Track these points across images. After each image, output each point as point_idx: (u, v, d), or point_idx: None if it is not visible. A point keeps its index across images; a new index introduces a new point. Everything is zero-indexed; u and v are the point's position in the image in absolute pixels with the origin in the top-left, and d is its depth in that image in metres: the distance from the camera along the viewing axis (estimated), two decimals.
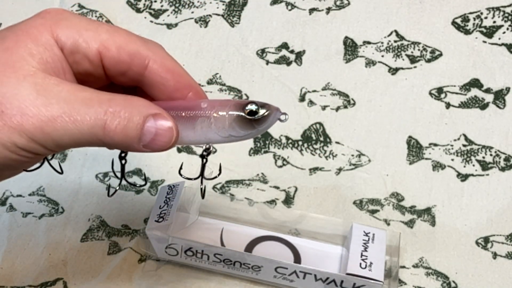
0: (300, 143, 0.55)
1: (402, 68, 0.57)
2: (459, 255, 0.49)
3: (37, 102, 0.25)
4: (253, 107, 0.29)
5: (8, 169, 0.28)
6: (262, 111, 0.29)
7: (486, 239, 0.49)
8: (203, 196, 0.32)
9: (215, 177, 0.34)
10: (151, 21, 0.63)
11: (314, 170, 0.54)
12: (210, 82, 0.59)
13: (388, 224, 0.51)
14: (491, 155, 0.53)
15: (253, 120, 0.29)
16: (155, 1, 0.63)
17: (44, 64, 0.27)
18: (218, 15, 0.61)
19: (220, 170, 0.35)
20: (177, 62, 0.32)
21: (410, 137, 0.54)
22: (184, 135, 0.30)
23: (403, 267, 0.48)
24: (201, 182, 0.32)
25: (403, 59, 0.57)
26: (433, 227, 0.50)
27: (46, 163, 0.31)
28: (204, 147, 0.31)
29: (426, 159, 0.53)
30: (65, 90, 0.26)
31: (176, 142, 0.29)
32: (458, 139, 0.54)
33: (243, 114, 0.29)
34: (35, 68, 0.26)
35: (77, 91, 0.26)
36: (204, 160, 0.31)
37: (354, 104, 0.56)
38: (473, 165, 0.53)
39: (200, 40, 0.61)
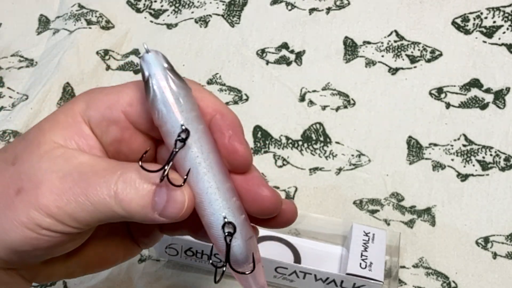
0: (300, 143, 0.55)
1: (402, 68, 0.57)
2: (459, 255, 0.49)
3: (53, 175, 0.24)
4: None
5: (36, 251, 0.25)
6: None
7: (486, 239, 0.49)
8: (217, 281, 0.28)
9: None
10: (151, 21, 0.63)
11: (314, 170, 0.54)
12: (210, 82, 0.59)
13: (388, 224, 0.51)
14: (491, 155, 0.53)
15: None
16: (155, 1, 0.63)
17: (69, 139, 0.26)
18: (218, 15, 0.61)
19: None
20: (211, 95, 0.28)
21: (410, 137, 0.54)
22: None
23: (403, 267, 0.48)
24: (226, 266, 0.27)
25: (403, 59, 0.57)
26: (433, 227, 0.50)
27: None
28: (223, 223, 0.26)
29: (426, 159, 0.53)
30: (83, 162, 0.25)
31: (191, 209, 0.25)
32: (458, 139, 0.54)
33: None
34: (57, 143, 0.25)
35: (95, 162, 0.25)
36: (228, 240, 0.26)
37: (354, 104, 0.56)
38: (473, 165, 0.53)
39: (200, 40, 0.61)
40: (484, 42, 0.56)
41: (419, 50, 0.57)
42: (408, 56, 0.57)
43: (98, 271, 0.32)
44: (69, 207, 0.24)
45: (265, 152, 0.55)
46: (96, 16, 0.63)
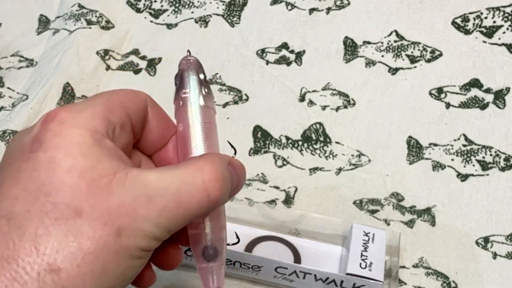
0: (300, 143, 0.55)
1: (402, 68, 0.57)
2: (459, 255, 0.49)
3: (141, 203, 0.24)
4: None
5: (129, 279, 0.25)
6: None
7: (486, 239, 0.49)
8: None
9: (234, 243, 0.33)
10: (151, 21, 0.63)
11: (314, 170, 0.54)
12: (210, 82, 0.59)
13: (388, 224, 0.50)
14: (491, 155, 0.53)
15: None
16: (155, 1, 0.63)
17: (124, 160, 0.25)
18: (218, 15, 0.61)
19: (237, 237, 0.35)
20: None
21: (410, 137, 0.54)
22: None
23: (403, 267, 0.48)
24: None
25: (403, 59, 0.57)
26: (433, 227, 0.50)
27: None
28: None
29: (426, 159, 0.53)
30: (150, 180, 0.24)
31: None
32: (458, 139, 0.54)
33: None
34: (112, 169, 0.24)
35: (161, 174, 0.25)
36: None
37: (354, 104, 0.56)
38: (473, 165, 0.53)
39: (200, 40, 0.61)
40: (484, 42, 0.56)
41: (419, 50, 0.57)
42: (408, 56, 0.57)
43: None
44: (167, 223, 0.24)
45: (265, 152, 0.55)
46: (96, 16, 0.63)
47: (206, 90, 0.28)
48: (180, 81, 0.29)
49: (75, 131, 0.23)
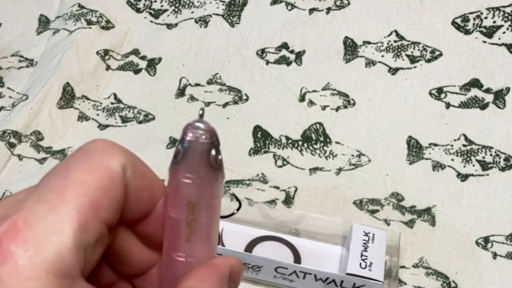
0: (300, 143, 0.55)
1: (402, 68, 0.57)
2: (459, 255, 0.48)
3: None
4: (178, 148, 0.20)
5: None
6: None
7: (486, 239, 0.49)
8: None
9: (233, 213, 0.29)
10: (151, 21, 0.63)
11: (314, 170, 0.54)
12: (210, 82, 0.59)
13: (388, 224, 0.50)
14: (491, 155, 0.53)
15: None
16: (155, 1, 0.63)
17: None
18: (218, 15, 0.61)
19: (239, 202, 0.30)
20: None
21: (410, 137, 0.54)
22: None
23: (403, 267, 0.48)
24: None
25: (403, 59, 0.57)
26: (433, 227, 0.50)
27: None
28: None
29: (426, 159, 0.53)
30: None
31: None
32: (458, 139, 0.54)
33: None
34: None
35: None
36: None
37: (354, 104, 0.56)
38: (473, 165, 0.53)
39: (200, 40, 0.61)
40: (484, 42, 0.56)
41: (419, 50, 0.57)
42: (408, 56, 0.57)
43: None
44: None
45: (265, 152, 0.55)
46: (96, 16, 0.63)
47: (216, 176, 0.20)
48: (182, 156, 0.20)
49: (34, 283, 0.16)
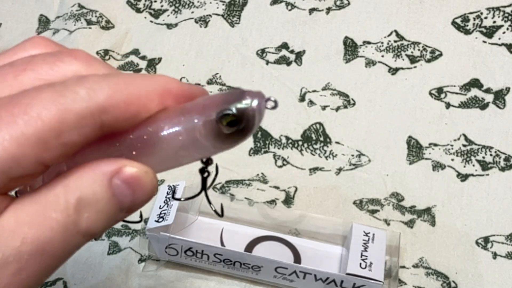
0: (300, 143, 0.55)
1: (402, 68, 0.57)
2: (459, 255, 0.49)
3: None
4: (230, 111, 0.21)
5: None
6: (244, 112, 0.21)
7: (486, 239, 0.49)
8: (222, 214, 0.28)
9: (213, 180, 0.29)
10: (151, 21, 0.63)
11: (314, 170, 0.54)
12: (210, 82, 0.59)
13: (388, 224, 0.50)
14: (491, 155, 0.53)
15: (237, 131, 0.22)
16: (155, 1, 0.63)
17: None
18: (218, 15, 0.61)
19: (217, 169, 0.28)
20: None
21: (410, 137, 0.54)
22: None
23: (403, 267, 0.48)
24: (207, 200, 0.26)
25: (403, 59, 0.57)
26: (433, 227, 0.50)
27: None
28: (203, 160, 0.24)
29: (426, 159, 0.53)
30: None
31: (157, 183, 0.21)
32: (458, 139, 0.54)
33: (220, 130, 0.21)
34: None
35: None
36: (206, 173, 0.24)
37: (354, 104, 0.56)
38: (473, 165, 0.53)
39: (200, 40, 0.61)
40: (484, 42, 0.56)
41: (419, 50, 0.57)
42: (408, 56, 0.57)
43: None
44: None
45: (265, 152, 0.55)
46: (96, 16, 0.63)
47: (215, 143, 0.22)
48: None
49: None
